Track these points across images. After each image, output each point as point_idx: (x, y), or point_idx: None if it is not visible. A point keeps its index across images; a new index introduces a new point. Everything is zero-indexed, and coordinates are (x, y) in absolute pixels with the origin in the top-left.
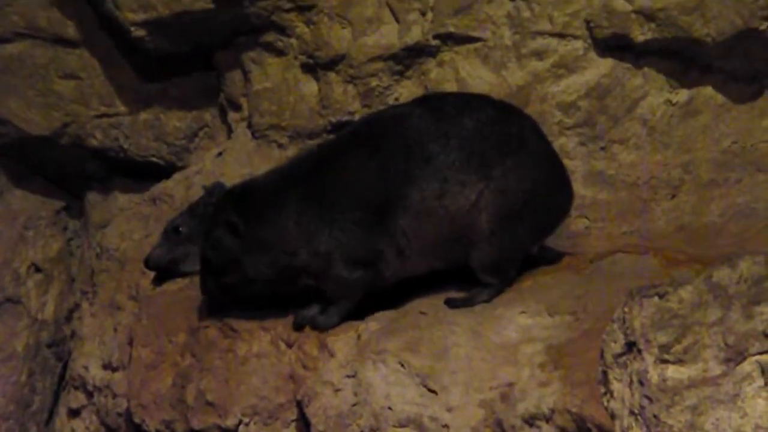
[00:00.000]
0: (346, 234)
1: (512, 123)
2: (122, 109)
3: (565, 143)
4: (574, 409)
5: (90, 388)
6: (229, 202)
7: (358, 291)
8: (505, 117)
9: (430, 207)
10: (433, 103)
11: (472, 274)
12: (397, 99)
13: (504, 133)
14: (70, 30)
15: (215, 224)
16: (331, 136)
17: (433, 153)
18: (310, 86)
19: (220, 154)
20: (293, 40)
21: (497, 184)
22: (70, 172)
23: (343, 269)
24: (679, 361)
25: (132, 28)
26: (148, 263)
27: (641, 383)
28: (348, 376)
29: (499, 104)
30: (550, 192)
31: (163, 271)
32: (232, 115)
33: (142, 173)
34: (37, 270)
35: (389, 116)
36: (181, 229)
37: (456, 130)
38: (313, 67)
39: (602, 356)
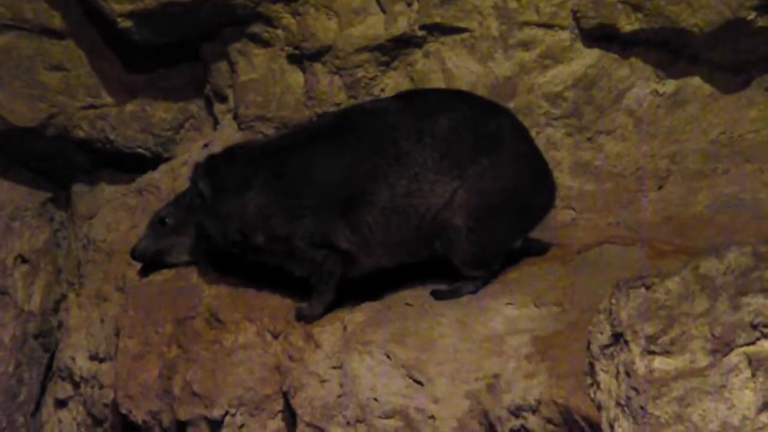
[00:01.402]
0: (304, 221)
1: (490, 122)
2: (108, 100)
3: (551, 134)
4: (560, 401)
5: (77, 378)
6: (204, 170)
7: (331, 271)
8: (484, 116)
9: (398, 205)
10: (411, 99)
11: (455, 269)
12: (383, 90)
13: (481, 132)
14: (57, 21)
15: (191, 185)
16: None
17: (405, 150)
18: (296, 77)
19: (206, 145)
20: (279, 32)
21: (472, 183)
22: (56, 164)
23: (307, 251)
24: (666, 353)
25: (118, 19)
26: (135, 254)
27: (628, 374)
28: (334, 367)
29: (479, 102)
30: (530, 189)
31: (150, 262)
32: (218, 107)
33: (129, 164)
34: (24, 261)
35: (366, 110)
36: (167, 220)
37: (431, 128)
38: (300, 59)
39: (589, 347)
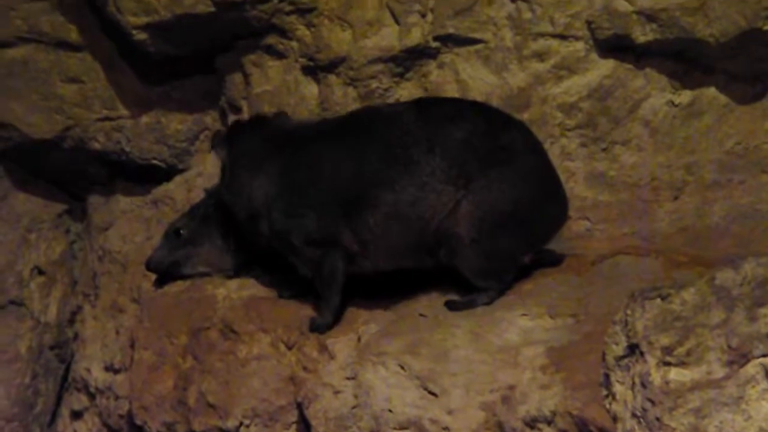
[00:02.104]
0: (303, 221)
1: (503, 135)
2: (124, 112)
3: (566, 144)
4: (575, 412)
5: (92, 390)
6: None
7: (332, 272)
8: (497, 129)
9: (401, 212)
10: (426, 107)
11: (466, 279)
12: (397, 101)
13: (492, 145)
14: (73, 34)
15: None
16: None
17: (414, 158)
18: (310, 89)
19: None
20: (294, 43)
21: (477, 195)
22: (72, 175)
23: (303, 249)
24: (682, 364)
25: (134, 32)
26: (149, 266)
27: (643, 386)
28: (348, 378)
29: (494, 114)
30: (539, 204)
31: (164, 273)
32: (232, 118)
33: (144, 176)
34: (40, 272)
35: (380, 114)
36: (182, 231)
37: (441, 138)
38: (314, 70)
39: (604, 359)
